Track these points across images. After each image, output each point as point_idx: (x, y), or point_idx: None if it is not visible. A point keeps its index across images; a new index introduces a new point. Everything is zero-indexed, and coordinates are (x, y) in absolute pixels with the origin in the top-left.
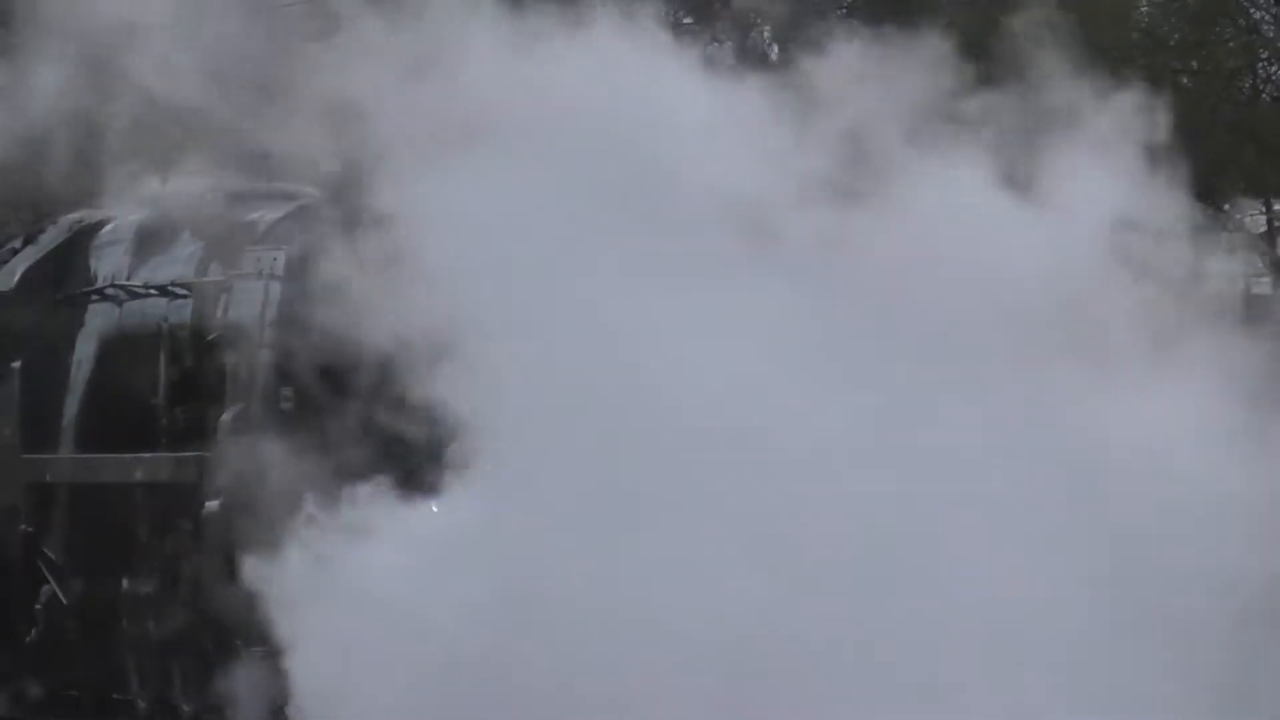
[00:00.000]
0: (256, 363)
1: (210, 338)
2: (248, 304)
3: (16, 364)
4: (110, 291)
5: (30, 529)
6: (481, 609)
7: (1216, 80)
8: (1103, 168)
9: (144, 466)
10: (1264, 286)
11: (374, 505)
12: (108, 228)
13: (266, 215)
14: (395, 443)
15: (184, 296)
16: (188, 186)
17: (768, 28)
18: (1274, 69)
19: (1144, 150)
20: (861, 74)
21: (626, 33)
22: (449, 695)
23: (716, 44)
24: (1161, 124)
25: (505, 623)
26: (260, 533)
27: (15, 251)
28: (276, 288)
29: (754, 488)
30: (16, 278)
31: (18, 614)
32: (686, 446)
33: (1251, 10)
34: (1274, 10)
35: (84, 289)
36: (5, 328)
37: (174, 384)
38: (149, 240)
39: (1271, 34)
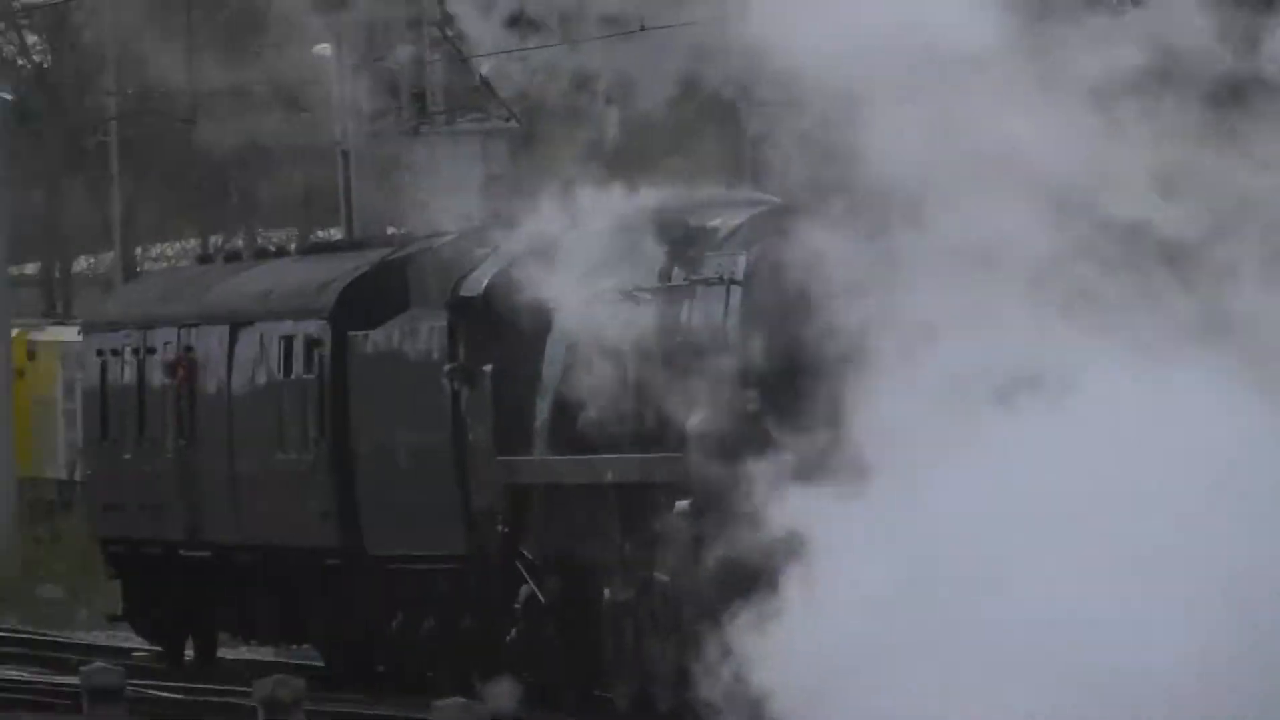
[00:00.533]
0: (721, 366)
1: (675, 342)
2: (710, 308)
3: (488, 368)
4: None
5: (506, 529)
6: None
7: None
8: None
9: (615, 468)
10: None
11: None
12: (572, 237)
13: (728, 221)
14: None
15: (648, 302)
16: (650, 196)
17: None
18: None
19: None
20: None
21: None
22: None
23: None
24: None
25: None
26: (732, 533)
27: (484, 259)
28: (738, 292)
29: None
30: (485, 284)
31: (500, 613)
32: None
33: None
34: None
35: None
36: (476, 333)
37: (640, 387)
38: (614, 247)
39: None
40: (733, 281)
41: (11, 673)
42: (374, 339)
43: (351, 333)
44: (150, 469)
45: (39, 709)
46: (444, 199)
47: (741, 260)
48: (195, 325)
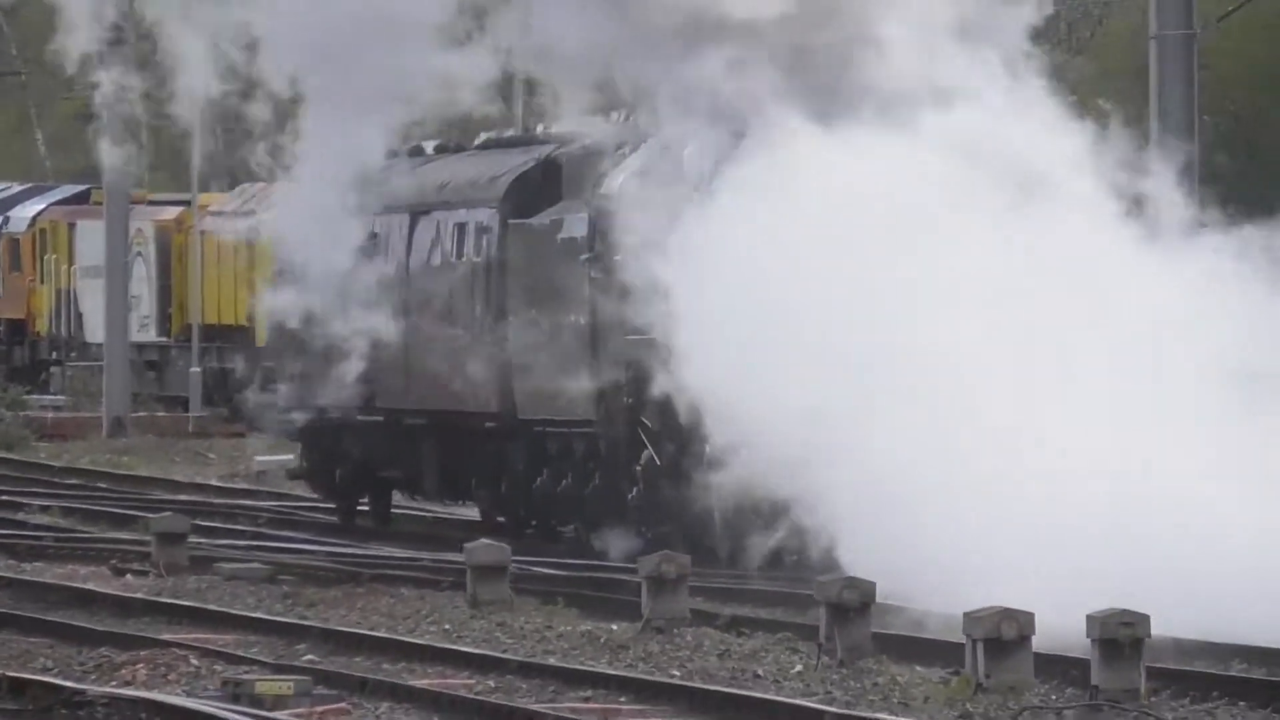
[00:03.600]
0: None
1: None
2: None
3: (618, 257)
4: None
5: (630, 400)
6: None
7: None
8: None
9: None
10: None
11: None
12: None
13: None
14: None
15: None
16: None
17: None
18: None
19: None
20: None
21: None
22: None
23: None
24: None
25: None
26: None
27: (621, 160)
28: None
29: None
30: (619, 184)
31: (623, 475)
32: None
33: None
34: None
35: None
36: (611, 226)
37: None
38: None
39: None
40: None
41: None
42: (530, 227)
43: (513, 220)
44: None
45: (421, 585)
46: None
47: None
48: (382, 214)
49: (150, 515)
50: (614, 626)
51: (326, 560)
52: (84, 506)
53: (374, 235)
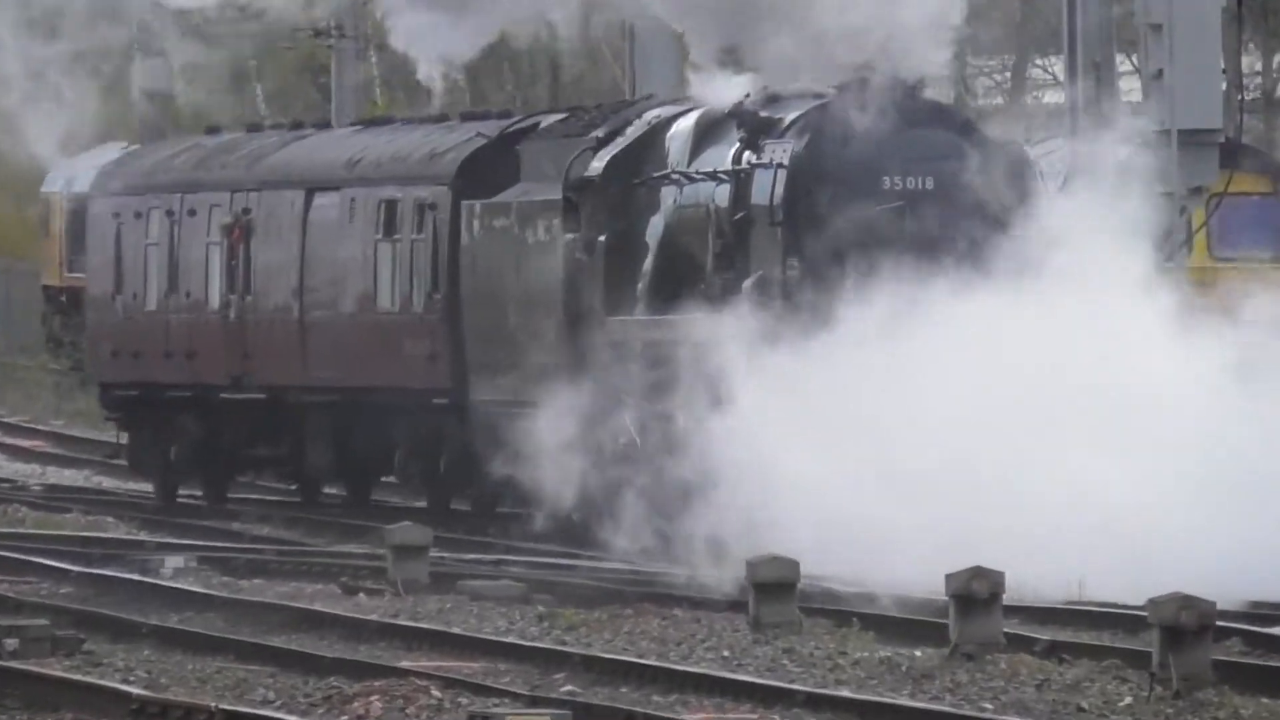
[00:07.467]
0: (771, 238)
1: (739, 216)
2: (763, 188)
3: (601, 239)
4: (675, 176)
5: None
6: None
7: None
8: None
9: (681, 327)
10: None
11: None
12: (676, 124)
13: (790, 114)
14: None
15: (725, 181)
16: (739, 87)
17: None
18: None
19: None
20: None
21: None
22: None
23: None
24: None
25: None
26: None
27: (600, 142)
28: (784, 175)
29: None
30: (603, 166)
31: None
32: None
33: None
34: None
35: (655, 174)
36: (593, 209)
37: (717, 255)
38: (705, 133)
39: None
40: (780, 166)
41: None
42: (492, 207)
43: (468, 201)
44: (188, 320)
45: (697, 605)
46: None
47: (790, 148)
48: (256, 190)
49: (386, 525)
50: (917, 652)
51: (587, 577)
52: (309, 516)
53: (246, 211)
